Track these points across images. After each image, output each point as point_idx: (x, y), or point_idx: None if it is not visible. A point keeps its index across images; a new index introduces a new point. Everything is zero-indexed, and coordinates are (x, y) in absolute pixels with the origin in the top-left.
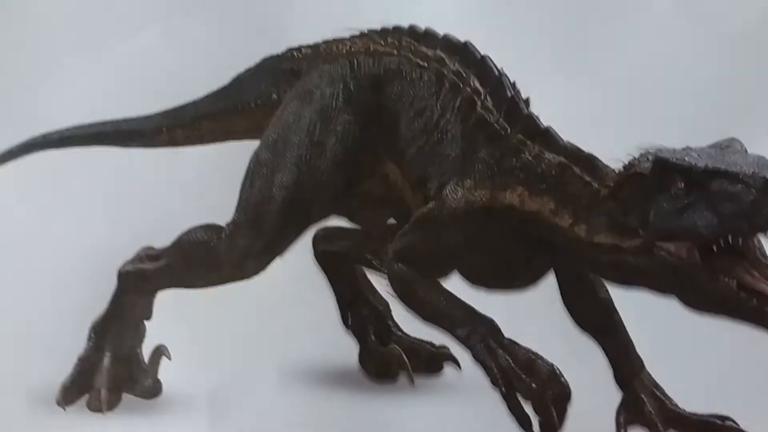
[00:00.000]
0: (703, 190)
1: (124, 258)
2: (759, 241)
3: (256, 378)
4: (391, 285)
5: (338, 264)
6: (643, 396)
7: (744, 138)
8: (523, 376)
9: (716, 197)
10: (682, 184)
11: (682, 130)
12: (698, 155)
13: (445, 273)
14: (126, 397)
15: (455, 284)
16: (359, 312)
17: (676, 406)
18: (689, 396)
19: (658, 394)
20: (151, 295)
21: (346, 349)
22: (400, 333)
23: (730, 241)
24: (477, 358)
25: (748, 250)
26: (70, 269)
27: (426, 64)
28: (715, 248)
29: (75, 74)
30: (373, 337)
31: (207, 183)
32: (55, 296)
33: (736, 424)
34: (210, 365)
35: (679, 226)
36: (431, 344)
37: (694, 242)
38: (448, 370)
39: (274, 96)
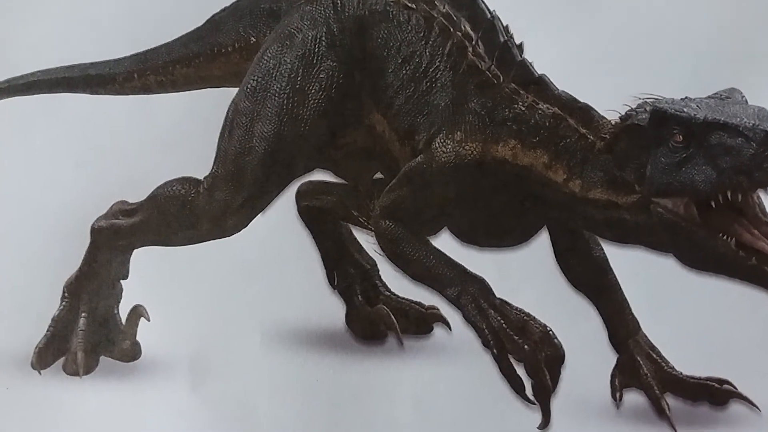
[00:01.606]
0: (701, 143)
1: (97, 213)
2: (759, 198)
3: (238, 340)
4: (379, 243)
5: (323, 220)
6: (638, 358)
7: (745, 88)
8: (516, 337)
9: (715, 151)
10: (681, 137)
11: (681, 80)
12: (697, 106)
13: (435, 230)
14: (103, 360)
15: (445, 242)
16: (345, 271)
17: (673, 368)
18: (686, 358)
19: (655, 356)
20: (127, 252)
21: (331, 309)
22: (388, 293)
23: (729, 197)
24: (467, 318)
25: (748, 207)
26: (39, 225)
27: (414, 6)
28: (713, 204)
29: (40, 14)
30: (360, 297)
31: (183, 133)
32: (25, 254)
33: (735, 387)
34: (190, 326)
35: (676, 181)
36: (420, 304)
37: (691, 198)
38: (438, 331)
39: (253, 39)
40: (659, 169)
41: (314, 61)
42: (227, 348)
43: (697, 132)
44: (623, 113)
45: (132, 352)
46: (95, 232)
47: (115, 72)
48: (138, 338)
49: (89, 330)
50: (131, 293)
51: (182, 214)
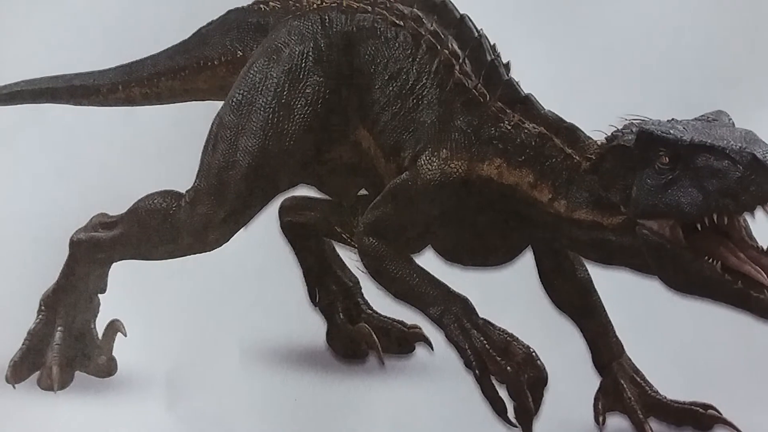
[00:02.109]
0: (688, 165)
1: (77, 225)
2: (745, 221)
3: (217, 356)
4: (362, 260)
5: (306, 236)
6: (622, 381)
7: (732, 111)
8: (498, 358)
9: (701, 173)
10: (667, 159)
11: (668, 102)
12: (684, 128)
13: (419, 248)
14: (79, 375)
15: (428, 260)
16: (327, 288)
17: (657, 392)
18: (670, 382)
19: (638, 379)
20: (106, 266)
21: (313, 327)
22: (370, 311)
23: (715, 220)
24: (450, 338)
25: (734, 230)
26: (18, 236)
27: (402, 23)
28: (699, 227)
29: (25, 24)
30: (341, 315)
31: (166, 146)
32: (2, 266)
33: (719, 412)
34: (168, 342)
35: (662, 203)
36: (402, 323)
37: (677, 220)
38: (420, 350)
39: (239, 53)
40: (645, 190)
41: (301, 76)
42: (205, 365)
43: (683, 154)
44: (609, 134)
45: (108, 368)
46: (74, 244)
47: (100, 83)
48: (114, 353)
49: (65, 344)
50: (109, 307)
51: (163, 228)
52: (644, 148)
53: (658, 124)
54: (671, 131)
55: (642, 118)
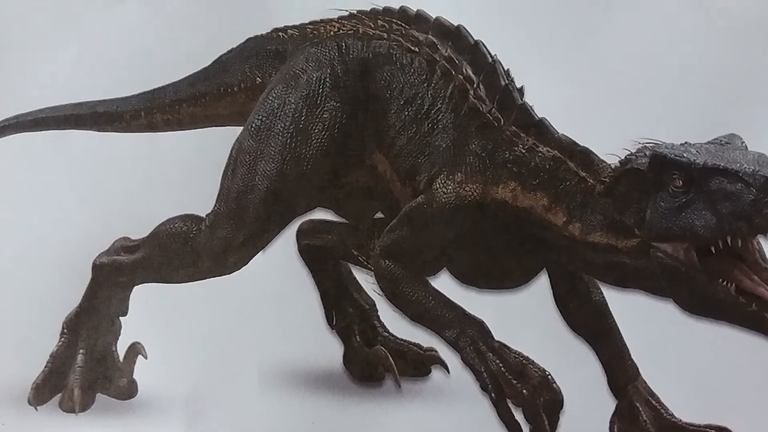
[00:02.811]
0: (701, 189)
1: (99, 249)
2: (759, 243)
3: (235, 379)
4: (378, 283)
5: (323, 259)
6: (637, 404)
7: (745, 134)
8: (514, 381)
9: (715, 196)
10: (680, 182)
11: (681, 125)
12: (697, 151)
13: (434, 271)
14: (100, 398)
15: (444, 283)
16: (344, 311)
17: (672, 415)
18: (686, 405)
19: (654, 402)
20: (127, 289)
21: (330, 349)
22: (386, 334)
23: (729, 243)
24: (466, 361)
25: (748, 253)
26: (42, 260)
27: (417, 49)
28: (713, 250)
29: (49, 52)
30: (358, 338)
31: (187, 171)
32: (26, 289)
33: None
34: (188, 365)
35: (676, 225)
36: (419, 346)
37: (691, 243)
38: (436, 373)
39: (258, 79)
40: (659, 213)
41: (318, 102)
42: (224, 387)
43: (696, 177)
44: (623, 157)
45: (128, 390)
46: (97, 268)
47: (123, 110)
48: (135, 376)
49: (87, 367)
50: (130, 330)
51: (183, 251)
52: (658, 171)
53: (671, 147)
54: (684, 154)
55: (655, 142)
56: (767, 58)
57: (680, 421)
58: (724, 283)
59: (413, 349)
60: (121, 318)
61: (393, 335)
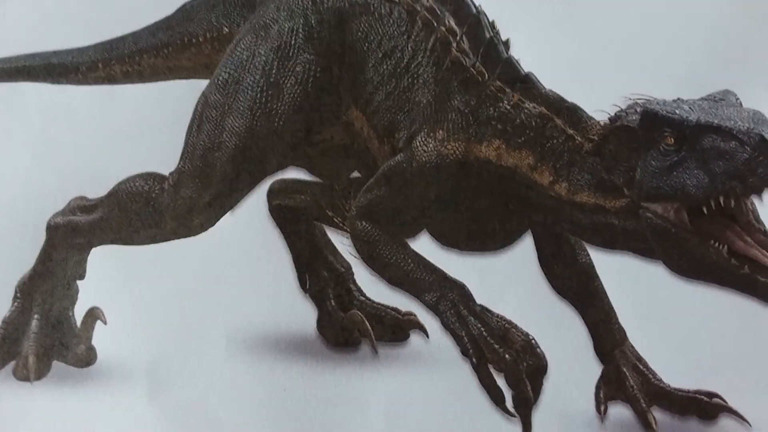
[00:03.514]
0: (694, 147)
1: (54, 209)
2: (752, 203)
3: (201, 345)
4: (354, 245)
5: (296, 221)
6: (624, 369)
7: (739, 90)
8: (496, 346)
9: (708, 154)
10: (672, 140)
11: (674, 81)
12: (690, 108)
13: (414, 233)
14: (56, 365)
15: (424, 245)
16: (318, 274)
17: (661, 380)
18: (674, 370)
19: (641, 367)
20: (84, 251)
21: (303, 314)
22: (362, 298)
23: (722, 203)
24: (446, 325)
25: (741, 213)
26: None
27: None
28: (705, 210)
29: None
30: (332, 302)
31: (148, 126)
32: None
33: (724, 401)
34: (150, 331)
35: (667, 185)
36: (396, 310)
37: (682, 203)
38: (415, 338)
39: (226, 29)
40: (649, 172)
41: (290, 54)
42: (189, 354)
43: (689, 135)
44: (613, 114)
45: (87, 357)
46: (51, 228)
47: (79, 61)
48: (93, 342)
49: (42, 333)
50: (88, 294)
51: (145, 212)
52: (649, 128)
53: (663, 104)
54: (677, 111)
55: (646, 98)
56: (763, 12)
57: (668, 386)
58: (716, 244)
59: (391, 314)
60: (78, 281)
61: (369, 299)
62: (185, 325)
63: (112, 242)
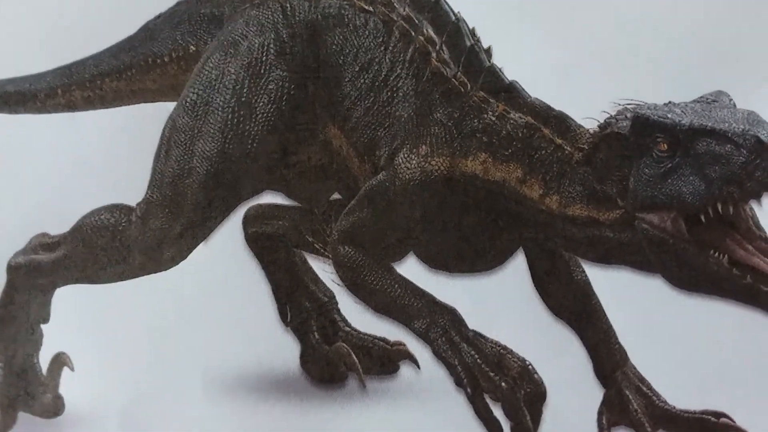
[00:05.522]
0: (688, 152)
1: (14, 248)
2: (752, 209)
3: (177, 388)
4: (337, 271)
5: (274, 249)
6: (627, 392)
7: (732, 90)
8: (492, 374)
9: (703, 159)
10: (665, 145)
11: (664, 83)
12: (682, 111)
13: (400, 256)
14: (22, 416)
15: (411, 268)
16: (300, 305)
17: (665, 402)
18: (679, 390)
19: (645, 389)
20: (48, 292)
21: (285, 349)
22: (348, 328)
23: (720, 210)
24: (438, 354)
25: (740, 220)
26: None
27: (371, 9)
28: (703, 218)
29: None
30: (316, 335)
31: (113, 155)
32: None
33: (732, 420)
34: (121, 375)
35: (662, 193)
36: (385, 340)
37: (679, 212)
38: (405, 369)
39: (192, 48)
40: (643, 181)
41: (262, 71)
42: (164, 398)
43: (682, 139)
44: (602, 121)
45: (54, 407)
46: (12, 269)
47: (37, 88)
48: (61, 391)
49: (5, 382)
50: (53, 339)
51: (112, 247)
52: (640, 134)
53: (654, 108)
54: (669, 115)
55: (637, 103)
56: (753, 9)
57: (674, 408)
58: (716, 254)
59: (379, 344)
60: (42, 325)
61: (355, 330)
62: (158, 367)
63: (78, 281)
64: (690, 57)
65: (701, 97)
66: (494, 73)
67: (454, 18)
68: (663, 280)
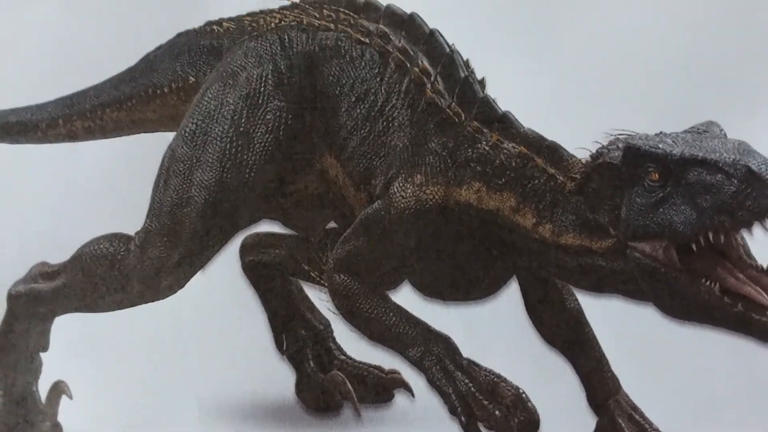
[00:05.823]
0: (679, 181)
1: (15, 277)
2: (742, 238)
3: (173, 416)
4: (333, 300)
5: (270, 277)
6: (620, 421)
7: (722, 120)
8: (485, 402)
9: (694, 189)
10: (657, 175)
11: (655, 114)
12: (673, 141)
13: (395, 284)
14: None
15: (406, 297)
16: (295, 333)
17: (658, 430)
18: (672, 418)
19: (638, 417)
20: (48, 321)
21: (280, 378)
22: (343, 356)
23: (711, 239)
24: (432, 382)
25: (731, 249)
26: None
27: (368, 41)
28: (694, 247)
29: None
30: (311, 363)
31: (113, 184)
32: None
33: None
34: (118, 403)
35: (653, 223)
36: (380, 369)
37: (671, 241)
38: (400, 398)
39: (192, 78)
40: (635, 210)
41: (260, 102)
42: (161, 427)
43: (674, 169)
44: (594, 151)
45: None
46: (12, 298)
47: (38, 118)
48: (59, 419)
49: (5, 410)
50: (52, 367)
51: (111, 276)
52: (632, 164)
53: (645, 138)
54: (660, 145)
55: (628, 133)
56: (744, 38)
57: None
58: (708, 282)
59: (374, 373)
60: (41, 354)
61: (351, 358)
62: (155, 395)
63: (77, 310)
64: (681, 87)
65: (692, 127)
66: (488, 104)
67: (448, 50)
68: (655, 308)
